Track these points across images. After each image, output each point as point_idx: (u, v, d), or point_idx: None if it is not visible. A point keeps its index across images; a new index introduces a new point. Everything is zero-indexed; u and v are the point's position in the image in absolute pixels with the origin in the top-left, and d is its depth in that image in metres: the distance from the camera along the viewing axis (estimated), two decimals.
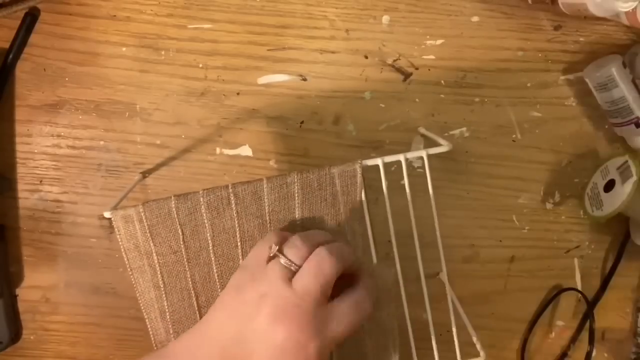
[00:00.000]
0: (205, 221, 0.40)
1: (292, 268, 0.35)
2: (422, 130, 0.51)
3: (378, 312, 0.41)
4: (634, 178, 0.47)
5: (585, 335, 0.54)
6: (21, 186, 0.51)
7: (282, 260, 0.35)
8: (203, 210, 0.40)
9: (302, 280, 0.34)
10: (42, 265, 0.51)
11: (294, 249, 0.35)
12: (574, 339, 0.55)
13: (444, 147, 0.41)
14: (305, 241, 0.36)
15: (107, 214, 0.39)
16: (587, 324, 0.55)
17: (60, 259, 0.51)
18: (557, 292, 0.54)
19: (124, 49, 0.50)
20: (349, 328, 0.34)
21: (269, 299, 0.33)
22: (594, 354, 0.55)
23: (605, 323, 0.55)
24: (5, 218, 0.51)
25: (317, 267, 0.34)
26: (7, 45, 0.49)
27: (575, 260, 0.54)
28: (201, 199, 0.39)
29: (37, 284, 0.52)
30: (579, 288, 0.54)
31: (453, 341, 0.43)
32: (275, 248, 0.36)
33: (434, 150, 0.41)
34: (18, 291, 0.52)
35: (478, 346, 0.43)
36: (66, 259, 0.51)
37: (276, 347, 0.33)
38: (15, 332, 0.51)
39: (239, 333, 0.34)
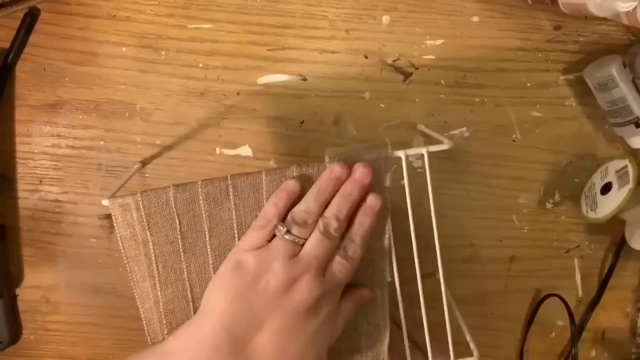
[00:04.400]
0: (203, 212, 0.40)
1: (298, 242, 0.36)
2: (421, 127, 0.51)
3: (370, 288, 0.41)
4: (630, 185, 0.47)
5: (585, 334, 0.54)
6: (21, 186, 0.51)
7: (288, 236, 0.36)
8: (201, 201, 0.40)
9: (309, 250, 0.36)
10: (42, 265, 0.51)
11: (301, 227, 0.37)
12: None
13: (444, 145, 0.41)
14: (309, 214, 0.37)
15: (105, 202, 0.39)
16: (585, 324, 0.55)
17: (60, 259, 0.52)
18: (542, 299, 0.54)
19: (124, 49, 0.50)
20: (350, 273, 0.37)
21: (274, 274, 0.35)
22: (593, 354, 0.55)
23: (605, 323, 0.55)
24: (5, 218, 0.51)
25: (320, 239, 0.36)
26: (7, 45, 0.49)
27: (575, 260, 0.54)
28: (200, 190, 0.39)
29: (37, 284, 0.52)
30: (579, 288, 0.54)
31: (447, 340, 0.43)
32: (283, 230, 0.36)
33: (435, 148, 0.41)
34: (18, 291, 0.52)
35: (472, 345, 0.43)
36: (66, 259, 0.52)
37: (291, 311, 0.35)
38: (15, 332, 0.51)
39: (246, 311, 0.35)
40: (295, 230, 0.36)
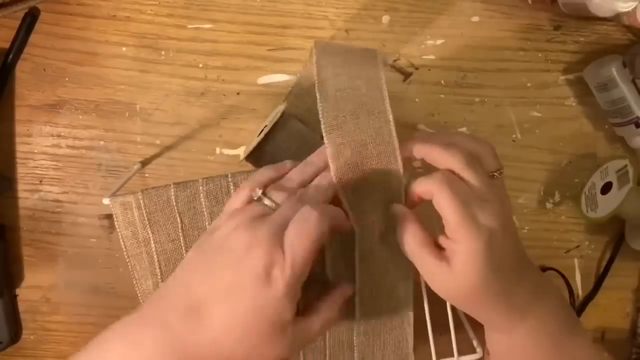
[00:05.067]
0: (204, 210, 0.40)
1: (274, 207, 0.35)
2: (421, 127, 0.51)
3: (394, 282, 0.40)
4: (630, 185, 0.47)
5: None
6: (21, 186, 0.51)
7: (266, 201, 0.35)
8: (202, 199, 0.40)
9: (277, 214, 0.34)
10: (42, 265, 0.51)
11: (278, 193, 0.35)
12: None
13: None
14: (289, 183, 0.36)
15: (105, 201, 0.39)
16: (586, 323, 0.55)
17: (60, 259, 0.51)
18: (545, 268, 0.54)
19: (124, 49, 0.50)
20: (304, 246, 0.32)
21: (238, 231, 0.33)
22: None
23: (605, 323, 0.55)
24: (5, 218, 0.51)
25: (292, 205, 0.34)
26: (7, 45, 0.49)
27: (575, 260, 0.54)
28: (200, 188, 0.39)
29: (37, 284, 0.52)
30: (579, 288, 0.54)
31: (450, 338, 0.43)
32: (259, 192, 0.35)
33: None
34: (18, 291, 0.52)
35: (475, 343, 0.43)
36: (66, 259, 0.51)
37: (244, 272, 0.32)
38: (15, 332, 0.51)
39: (201, 263, 0.34)
40: (273, 195, 0.35)
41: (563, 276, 0.53)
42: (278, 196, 0.35)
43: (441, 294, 0.36)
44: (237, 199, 0.36)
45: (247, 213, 0.34)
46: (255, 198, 0.35)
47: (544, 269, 0.54)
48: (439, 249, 0.35)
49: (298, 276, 0.32)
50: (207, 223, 0.40)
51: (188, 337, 0.32)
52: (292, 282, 0.32)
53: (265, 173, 0.37)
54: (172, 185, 0.39)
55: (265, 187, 0.36)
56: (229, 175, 0.39)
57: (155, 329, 0.33)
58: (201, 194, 0.39)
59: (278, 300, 0.32)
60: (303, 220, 0.33)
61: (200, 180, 0.39)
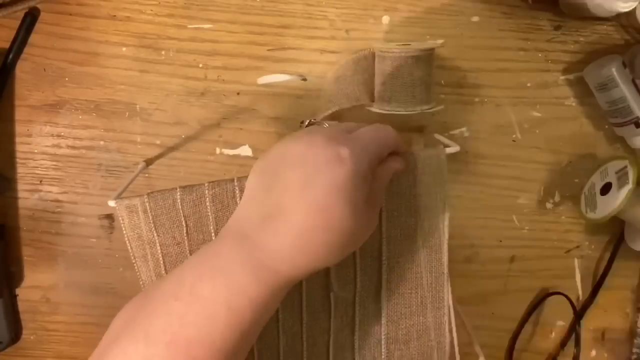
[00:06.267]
0: (210, 214, 0.40)
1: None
2: (438, 136, 0.51)
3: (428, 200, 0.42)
4: (630, 186, 0.47)
5: (585, 334, 0.54)
6: (21, 186, 0.51)
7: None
8: (208, 203, 0.40)
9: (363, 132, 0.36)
10: (42, 265, 0.51)
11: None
12: (566, 340, 0.55)
13: (453, 148, 0.43)
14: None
15: (111, 203, 0.40)
16: (586, 323, 0.55)
17: (60, 259, 0.52)
18: (543, 297, 0.54)
19: (124, 49, 0.50)
20: (372, 141, 0.35)
21: (323, 134, 0.34)
22: (593, 353, 0.55)
23: (605, 323, 0.55)
24: (5, 218, 0.51)
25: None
26: (7, 45, 0.49)
27: (575, 260, 0.54)
28: (206, 192, 0.39)
29: (37, 284, 0.52)
30: (579, 288, 0.54)
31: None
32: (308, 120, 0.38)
33: (449, 150, 0.43)
34: (18, 291, 0.52)
35: (477, 349, 0.43)
36: (66, 259, 0.51)
37: (312, 167, 0.33)
38: (15, 332, 0.51)
39: (281, 157, 0.34)
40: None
41: (569, 299, 0.53)
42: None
43: None
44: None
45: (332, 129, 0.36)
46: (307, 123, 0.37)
47: (549, 294, 0.54)
48: None
49: (369, 155, 0.34)
50: (212, 227, 0.40)
51: (268, 243, 0.32)
52: (362, 159, 0.33)
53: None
54: (177, 189, 0.40)
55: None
56: (235, 180, 0.40)
57: (232, 242, 0.33)
58: (207, 198, 0.40)
59: (353, 177, 0.32)
60: (376, 127, 0.36)
61: (206, 184, 0.40)
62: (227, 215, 0.40)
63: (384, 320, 0.43)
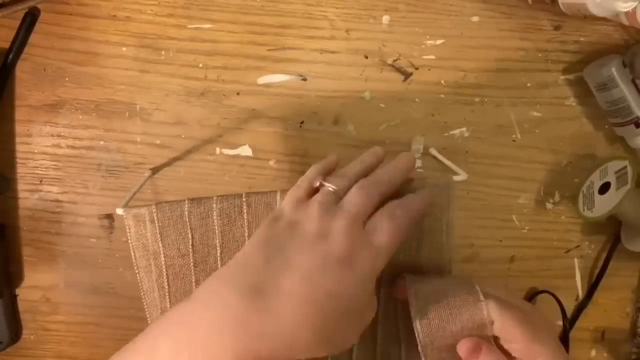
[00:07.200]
0: (216, 228, 0.40)
1: (338, 193, 0.35)
2: (433, 152, 0.51)
3: (432, 221, 0.41)
4: (628, 186, 0.47)
5: (585, 334, 0.54)
6: (21, 186, 0.51)
7: (328, 186, 0.35)
8: (215, 217, 0.40)
9: (350, 199, 0.34)
10: (42, 265, 0.51)
11: (339, 179, 0.36)
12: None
13: (461, 176, 0.43)
14: (349, 173, 0.36)
15: (119, 211, 0.40)
16: (586, 323, 0.55)
17: (60, 259, 0.52)
18: (533, 294, 0.54)
19: (124, 49, 0.50)
20: (388, 240, 0.33)
21: (310, 221, 0.33)
22: (593, 353, 0.55)
23: (605, 323, 0.55)
24: (5, 218, 0.51)
25: (364, 192, 0.35)
26: (7, 45, 0.49)
27: (575, 260, 0.54)
28: (214, 205, 0.39)
29: (37, 284, 0.52)
30: (579, 288, 0.54)
31: None
32: (319, 179, 0.36)
33: (457, 178, 0.43)
34: (18, 291, 0.52)
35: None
36: (66, 259, 0.51)
37: (325, 254, 0.32)
38: (15, 332, 0.51)
39: (274, 254, 0.32)
40: (334, 182, 0.35)
41: (556, 298, 0.52)
42: (340, 182, 0.35)
43: None
44: (298, 190, 0.36)
45: (317, 201, 0.34)
46: (317, 185, 0.36)
47: (536, 292, 0.53)
48: None
49: (383, 260, 0.33)
50: (217, 241, 0.40)
51: (251, 319, 0.29)
52: (377, 266, 0.32)
53: (316, 168, 0.38)
54: (186, 201, 0.40)
55: (323, 178, 0.36)
56: (243, 195, 0.40)
57: (214, 311, 0.30)
58: (214, 212, 0.40)
59: (361, 284, 0.31)
60: (389, 215, 0.34)
61: (214, 198, 0.40)
62: (233, 230, 0.40)
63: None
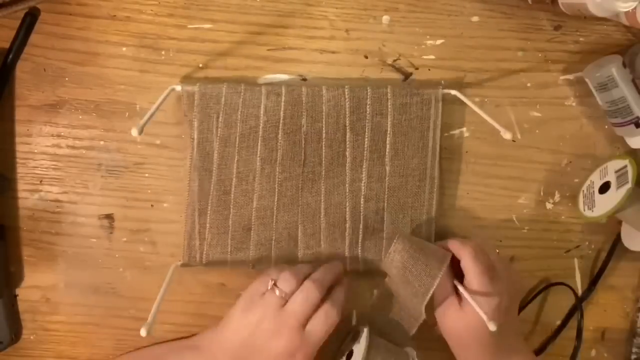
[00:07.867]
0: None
1: (284, 297, 0.45)
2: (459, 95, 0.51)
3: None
4: (629, 185, 0.47)
5: (585, 334, 0.54)
6: (21, 186, 0.51)
7: (277, 292, 0.45)
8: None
9: (292, 307, 0.44)
10: (42, 265, 0.51)
11: (286, 283, 0.45)
12: (560, 328, 0.55)
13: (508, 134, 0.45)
14: (294, 276, 0.45)
15: (134, 133, 0.41)
16: (586, 323, 0.55)
17: (60, 259, 0.52)
18: (545, 286, 0.54)
19: (124, 49, 0.50)
20: (323, 335, 0.45)
21: (267, 320, 0.44)
22: (593, 353, 0.55)
23: (605, 323, 0.55)
24: (5, 218, 0.51)
25: (304, 297, 0.44)
26: (7, 45, 0.49)
27: (575, 260, 0.54)
28: (263, 90, 0.49)
29: (37, 284, 0.52)
30: (579, 288, 0.54)
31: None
32: (271, 283, 0.45)
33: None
34: (18, 291, 0.52)
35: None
36: (66, 259, 0.52)
37: (274, 354, 0.44)
38: (15, 332, 0.51)
39: (247, 341, 0.45)
40: (282, 284, 0.45)
41: (572, 289, 0.53)
42: (287, 285, 0.45)
43: (447, 330, 0.47)
44: (258, 283, 0.47)
45: (266, 303, 0.45)
46: (270, 287, 0.45)
47: (550, 284, 0.53)
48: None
49: (313, 353, 0.45)
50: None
51: None
52: (311, 354, 0.45)
53: (284, 267, 0.48)
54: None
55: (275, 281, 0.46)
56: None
57: None
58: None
59: None
60: (324, 316, 0.44)
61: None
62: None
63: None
